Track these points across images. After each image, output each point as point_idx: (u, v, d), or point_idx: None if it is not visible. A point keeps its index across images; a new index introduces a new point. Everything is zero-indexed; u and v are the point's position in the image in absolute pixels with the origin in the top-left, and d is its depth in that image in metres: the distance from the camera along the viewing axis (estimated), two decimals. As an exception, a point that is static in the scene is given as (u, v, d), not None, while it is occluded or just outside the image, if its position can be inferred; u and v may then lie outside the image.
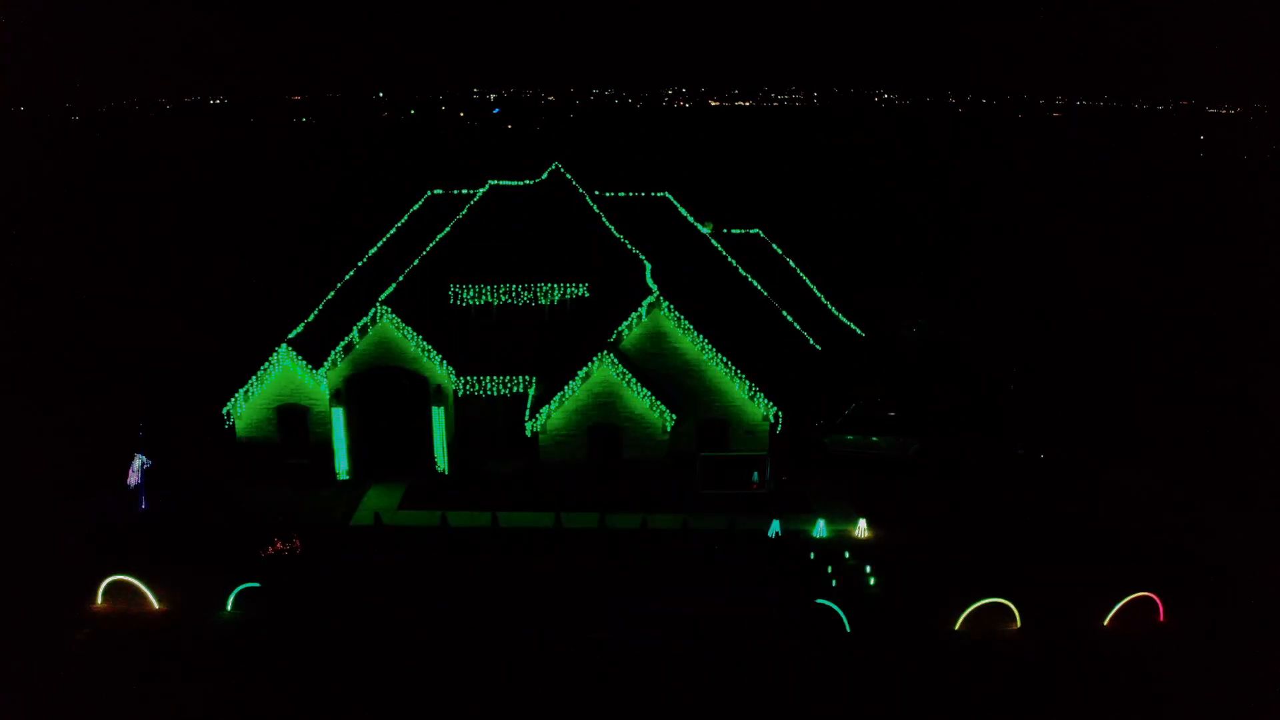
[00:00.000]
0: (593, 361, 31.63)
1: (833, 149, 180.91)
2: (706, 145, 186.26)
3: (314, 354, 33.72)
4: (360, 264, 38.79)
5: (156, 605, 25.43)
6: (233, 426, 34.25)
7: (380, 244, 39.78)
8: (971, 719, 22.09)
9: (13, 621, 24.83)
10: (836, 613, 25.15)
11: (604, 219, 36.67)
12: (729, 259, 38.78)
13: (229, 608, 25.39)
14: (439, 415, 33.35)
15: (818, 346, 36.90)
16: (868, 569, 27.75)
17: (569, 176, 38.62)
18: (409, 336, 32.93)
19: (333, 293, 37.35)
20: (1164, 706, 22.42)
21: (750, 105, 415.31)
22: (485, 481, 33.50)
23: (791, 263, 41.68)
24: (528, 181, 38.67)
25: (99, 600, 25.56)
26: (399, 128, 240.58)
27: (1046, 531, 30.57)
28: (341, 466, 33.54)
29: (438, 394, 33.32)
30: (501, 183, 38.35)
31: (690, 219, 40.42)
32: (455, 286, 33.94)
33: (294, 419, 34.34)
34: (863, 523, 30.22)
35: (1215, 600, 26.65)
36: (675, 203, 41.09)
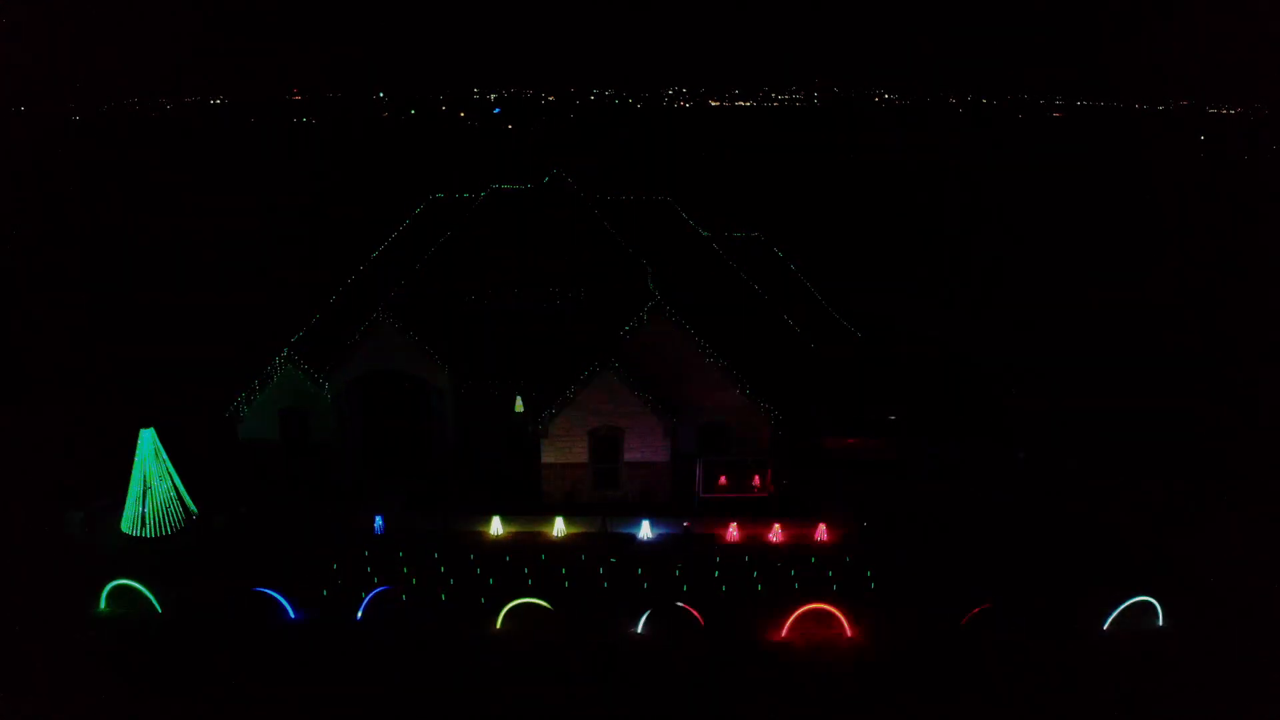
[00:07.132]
0: (594, 365, 31.73)
1: (833, 149, 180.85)
2: (707, 146, 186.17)
3: (316, 358, 33.82)
4: (362, 268, 38.91)
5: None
6: (235, 431, 34.33)
7: (382, 248, 39.89)
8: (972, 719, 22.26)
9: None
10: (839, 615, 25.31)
11: (605, 223, 36.77)
12: (730, 262, 38.88)
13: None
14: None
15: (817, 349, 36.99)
16: (868, 572, 27.92)
17: (570, 180, 38.69)
18: (411, 340, 33.02)
19: (335, 297, 37.47)
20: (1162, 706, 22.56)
21: (750, 105, 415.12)
22: (487, 484, 33.64)
23: (793, 266, 41.75)
24: (529, 185, 38.74)
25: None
26: (399, 128, 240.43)
27: (1045, 532, 30.72)
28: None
29: (439, 396, 33.45)
30: (502, 187, 38.44)
31: (691, 222, 40.51)
32: (457, 290, 34.07)
33: (296, 423, 34.42)
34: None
35: (1212, 603, 26.80)
36: (676, 206, 41.17)
